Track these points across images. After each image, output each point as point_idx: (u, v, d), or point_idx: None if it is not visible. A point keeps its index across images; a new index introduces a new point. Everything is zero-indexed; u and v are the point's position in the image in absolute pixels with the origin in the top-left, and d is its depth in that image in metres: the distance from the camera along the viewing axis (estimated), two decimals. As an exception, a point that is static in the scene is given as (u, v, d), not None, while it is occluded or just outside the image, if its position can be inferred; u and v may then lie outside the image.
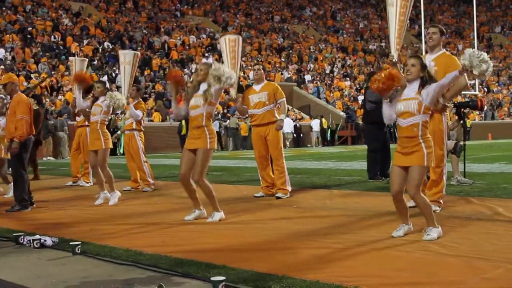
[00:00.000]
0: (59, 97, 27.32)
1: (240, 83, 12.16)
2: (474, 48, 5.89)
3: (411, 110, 5.37)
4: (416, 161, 5.35)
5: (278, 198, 8.80)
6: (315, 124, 34.28)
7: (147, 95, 30.65)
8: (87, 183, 11.84)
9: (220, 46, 8.98)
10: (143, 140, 10.77)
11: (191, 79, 7.24)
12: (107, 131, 8.96)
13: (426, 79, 5.44)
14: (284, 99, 9.16)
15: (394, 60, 6.81)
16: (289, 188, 9.03)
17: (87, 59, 13.36)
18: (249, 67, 38.29)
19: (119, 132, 10.40)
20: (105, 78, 28.67)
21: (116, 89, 28.65)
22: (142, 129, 10.83)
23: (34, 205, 8.41)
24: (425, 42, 6.92)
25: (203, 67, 6.96)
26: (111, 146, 8.97)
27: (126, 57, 10.47)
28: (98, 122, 8.81)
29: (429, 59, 6.88)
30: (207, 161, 6.82)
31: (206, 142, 6.80)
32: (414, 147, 5.36)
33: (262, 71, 9.25)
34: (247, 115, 10.64)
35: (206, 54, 38.31)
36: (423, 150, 5.35)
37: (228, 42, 9.01)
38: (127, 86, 10.35)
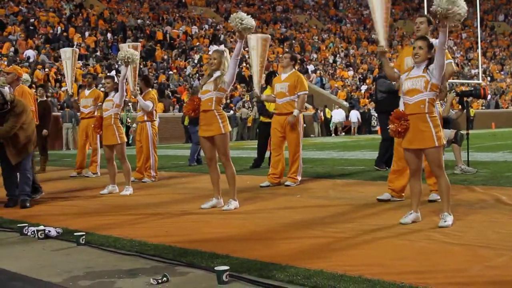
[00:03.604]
0: (63, 88, 27.31)
1: (267, 72, 11.96)
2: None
3: (418, 87, 5.43)
4: (427, 143, 5.40)
5: (286, 186, 8.94)
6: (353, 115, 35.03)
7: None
8: (94, 173, 11.86)
9: (249, 42, 8.89)
10: (155, 131, 10.75)
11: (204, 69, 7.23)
12: (120, 125, 8.99)
13: (433, 60, 5.47)
14: (305, 92, 9.09)
15: (384, 49, 6.69)
16: (299, 178, 9.15)
17: (77, 50, 13.34)
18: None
19: (134, 125, 10.48)
20: (113, 72, 28.67)
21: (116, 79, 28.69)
22: (155, 119, 10.81)
23: (43, 193, 8.46)
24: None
25: (216, 55, 6.93)
26: (125, 139, 9.02)
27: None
28: (111, 117, 8.81)
29: None
30: (227, 144, 6.96)
31: (219, 127, 6.87)
32: (422, 127, 5.38)
33: (289, 59, 9.13)
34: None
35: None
36: (431, 130, 5.40)
37: (261, 41, 8.95)
38: (132, 79, 10.29)
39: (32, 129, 7.75)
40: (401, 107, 5.66)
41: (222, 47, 7.25)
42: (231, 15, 6.91)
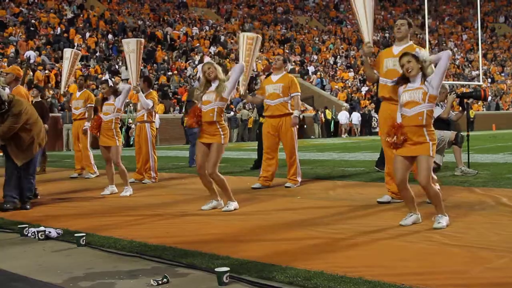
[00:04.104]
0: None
1: (252, 75, 12.22)
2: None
3: (416, 99, 5.40)
4: (421, 151, 5.38)
5: (287, 187, 8.99)
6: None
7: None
8: (93, 173, 11.86)
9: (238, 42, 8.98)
10: (154, 132, 10.73)
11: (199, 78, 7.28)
12: (119, 130, 9.00)
13: (425, 68, 5.46)
14: (299, 93, 9.17)
15: (371, 48, 6.97)
16: (299, 179, 9.19)
17: (80, 52, 13.32)
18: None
19: (133, 126, 10.48)
20: (106, 76, 28.68)
21: (120, 81, 28.75)
22: (154, 120, 10.79)
23: (39, 197, 8.43)
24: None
25: (209, 66, 6.97)
26: (122, 143, 9.03)
27: (130, 45, 10.34)
28: (112, 121, 8.81)
29: (396, 51, 6.88)
30: (220, 155, 6.97)
31: (220, 138, 6.91)
32: (418, 138, 5.38)
33: (282, 61, 9.21)
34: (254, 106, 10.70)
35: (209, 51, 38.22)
36: (428, 142, 5.39)
37: (246, 40, 8.99)
38: (135, 75, 10.20)
39: (38, 130, 7.61)
40: (398, 119, 5.64)
41: (207, 58, 7.33)
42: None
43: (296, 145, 9.16)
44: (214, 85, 6.93)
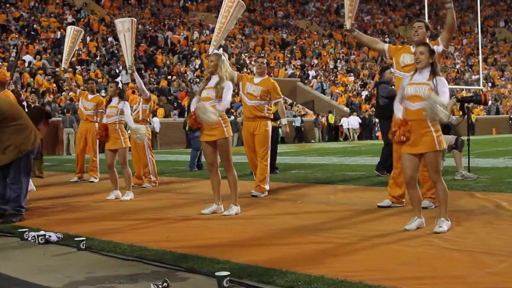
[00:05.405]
0: (63, 93, 27.28)
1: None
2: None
3: (421, 94, 5.41)
4: (428, 147, 5.38)
5: (253, 196, 8.58)
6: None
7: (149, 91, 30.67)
8: (96, 178, 11.87)
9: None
10: (150, 135, 10.71)
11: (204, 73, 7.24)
12: (125, 130, 8.99)
13: (435, 65, 5.45)
14: (281, 98, 8.90)
15: (347, 27, 7.03)
16: (267, 187, 8.76)
17: (82, 30, 13.32)
18: (253, 63, 38.26)
19: (129, 131, 10.48)
20: (118, 79, 28.70)
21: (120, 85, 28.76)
22: (149, 120, 10.77)
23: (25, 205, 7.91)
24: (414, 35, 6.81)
25: (213, 58, 6.91)
26: (129, 144, 9.01)
27: (125, 24, 10.21)
28: (116, 122, 8.81)
29: (413, 49, 6.82)
30: (230, 149, 6.93)
31: (223, 131, 6.82)
32: (423, 131, 5.38)
33: (265, 65, 8.93)
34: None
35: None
36: (433, 134, 5.39)
37: (227, 1, 8.80)
38: (130, 54, 10.08)
39: (20, 134, 6.92)
40: (398, 114, 5.64)
41: (221, 51, 7.21)
42: None
43: (269, 149, 8.76)
44: (213, 81, 6.86)
